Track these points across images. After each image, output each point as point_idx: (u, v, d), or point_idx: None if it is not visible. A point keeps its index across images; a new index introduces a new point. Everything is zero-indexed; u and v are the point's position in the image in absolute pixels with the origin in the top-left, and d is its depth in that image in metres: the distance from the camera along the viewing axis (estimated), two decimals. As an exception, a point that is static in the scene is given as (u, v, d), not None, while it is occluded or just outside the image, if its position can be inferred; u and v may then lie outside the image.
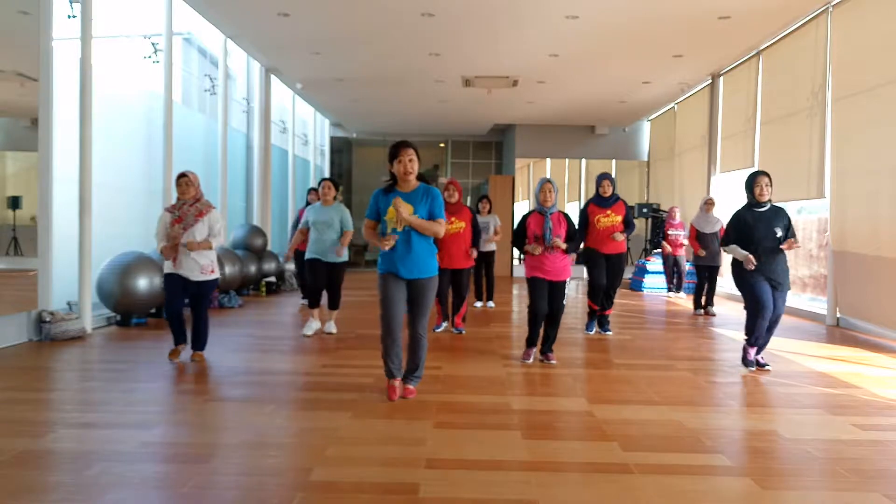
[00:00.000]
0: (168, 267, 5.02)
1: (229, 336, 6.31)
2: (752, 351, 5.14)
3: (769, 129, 9.06)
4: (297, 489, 2.71)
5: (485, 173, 17.42)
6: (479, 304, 9.07)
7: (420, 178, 4.06)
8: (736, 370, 5.15)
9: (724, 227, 7.83)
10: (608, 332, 6.63)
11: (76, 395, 4.17)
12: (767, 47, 9.09)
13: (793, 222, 5.08)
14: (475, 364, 5.20)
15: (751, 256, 4.87)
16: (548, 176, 18.11)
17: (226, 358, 5.31)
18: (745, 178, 5.12)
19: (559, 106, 13.20)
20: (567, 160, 16.24)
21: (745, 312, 5.21)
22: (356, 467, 2.95)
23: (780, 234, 4.92)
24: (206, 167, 9.58)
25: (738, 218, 5.08)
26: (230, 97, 10.38)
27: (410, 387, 4.17)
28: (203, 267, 5.03)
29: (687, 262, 10.62)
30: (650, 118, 14.87)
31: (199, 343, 5.19)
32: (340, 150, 18.04)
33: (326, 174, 16.88)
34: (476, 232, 6.67)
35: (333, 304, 6.53)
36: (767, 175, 5.03)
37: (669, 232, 10.07)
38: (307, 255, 6.38)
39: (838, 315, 7.56)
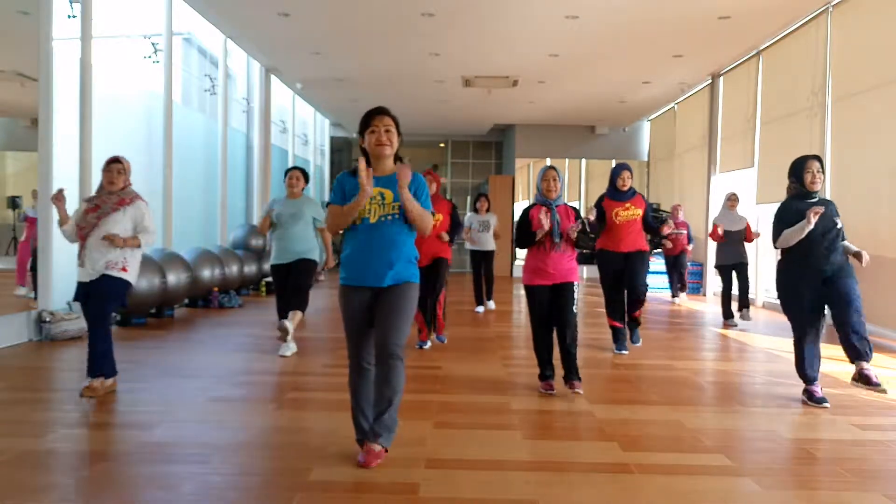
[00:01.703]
0: (80, 273, 4.07)
1: (229, 336, 6.31)
2: (817, 387, 4.14)
3: (769, 129, 9.07)
4: (297, 489, 2.70)
5: (485, 173, 17.43)
6: (480, 308, 8.69)
7: (400, 160, 3.17)
8: (736, 370, 5.14)
9: (750, 223, 7.72)
10: (637, 343, 5.97)
11: (76, 395, 4.16)
12: (767, 47, 9.09)
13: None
14: (475, 364, 5.19)
15: (810, 214, 3.93)
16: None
17: (226, 358, 5.31)
18: (791, 165, 4.30)
19: (559, 106, 13.20)
20: (567, 160, 16.24)
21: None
22: (356, 467, 2.94)
23: (839, 224, 4.09)
24: (206, 167, 9.59)
25: (786, 209, 4.21)
26: (230, 97, 10.38)
27: (376, 448, 2.94)
28: (110, 262, 3.96)
29: (689, 262, 10.63)
30: (650, 118, 14.87)
31: (95, 366, 3.97)
32: (340, 150, 18.04)
33: (326, 174, 16.89)
34: (454, 224, 5.94)
35: (296, 303, 5.41)
36: (819, 160, 4.20)
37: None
38: (271, 262, 5.51)
39: (838, 315, 7.54)
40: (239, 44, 9.88)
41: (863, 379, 3.99)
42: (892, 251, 6.37)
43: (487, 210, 9.05)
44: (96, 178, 6.40)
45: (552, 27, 8.30)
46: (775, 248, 4.32)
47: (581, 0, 7.39)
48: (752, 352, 5.98)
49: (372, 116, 3.07)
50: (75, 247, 6.21)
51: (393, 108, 3.23)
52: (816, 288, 4.11)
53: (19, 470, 2.87)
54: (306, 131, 15.01)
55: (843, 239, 4.18)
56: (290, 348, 5.41)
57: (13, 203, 6.01)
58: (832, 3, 7.48)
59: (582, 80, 11.02)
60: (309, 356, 5.44)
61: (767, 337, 6.73)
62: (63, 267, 6.22)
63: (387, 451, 2.99)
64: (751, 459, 3.16)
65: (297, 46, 9.47)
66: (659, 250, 11.17)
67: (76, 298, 4.12)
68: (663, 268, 10.98)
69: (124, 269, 4.02)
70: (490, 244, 8.85)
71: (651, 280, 11.36)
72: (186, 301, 8.11)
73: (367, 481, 2.80)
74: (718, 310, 8.33)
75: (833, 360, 5.59)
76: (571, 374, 4.31)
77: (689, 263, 10.59)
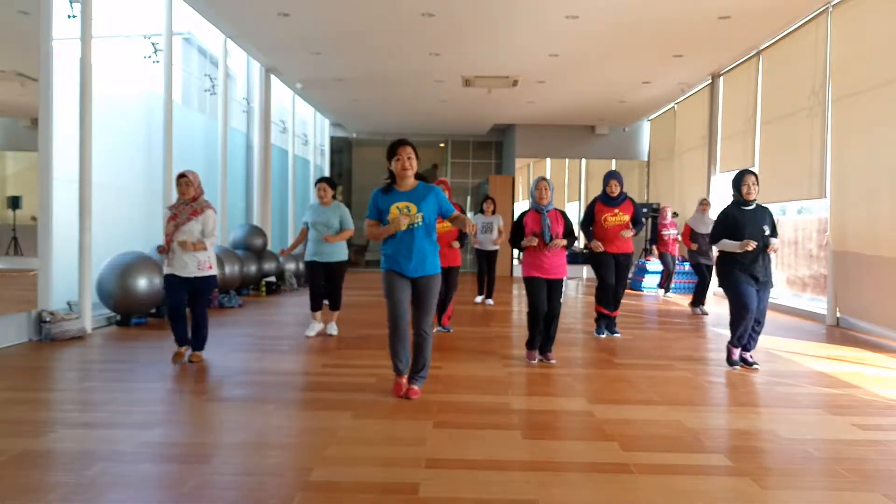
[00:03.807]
0: (166, 267, 5.01)
1: (229, 336, 6.31)
2: (736, 351, 5.18)
3: (769, 129, 9.07)
4: (297, 489, 2.71)
5: (485, 173, 17.43)
6: (479, 298, 9.33)
7: (419, 177, 4.04)
8: (735, 370, 5.14)
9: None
10: (616, 334, 6.53)
11: (76, 395, 4.17)
12: (767, 47, 9.09)
13: (777, 222, 5.14)
14: (475, 364, 5.20)
15: (748, 241, 4.83)
16: (547, 175, 18.00)
17: (226, 358, 5.31)
18: (733, 177, 5.15)
19: (559, 106, 13.20)
20: (567, 160, 16.25)
21: (727, 309, 5.25)
22: (356, 467, 2.95)
23: (767, 231, 4.97)
24: (206, 167, 9.58)
25: (726, 215, 5.10)
26: (230, 97, 10.38)
27: (415, 387, 4.14)
28: (200, 263, 4.98)
29: (681, 262, 10.70)
30: (650, 118, 14.87)
31: (198, 343, 5.15)
32: (340, 150, 18.04)
33: (326, 174, 16.89)
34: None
35: (334, 305, 6.48)
36: (754, 174, 5.06)
37: (662, 232, 10.01)
38: (306, 258, 6.34)
39: (838, 315, 7.56)
40: (239, 44, 9.88)
41: (745, 362, 5.20)
42: (892, 251, 6.37)
43: (493, 212, 9.40)
44: (96, 179, 6.46)
45: (552, 27, 8.30)
46: (711, 244, 5.30)
47: (581, 0, 7.39)
48: (752, 352, 5.97)
49: (396, 147, 3.96)
50: (74, 249, 6.28)
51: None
52: (749, 278, 4.99)
53: (19, 470, 2.87)
54: (306, 131, 15.01)
55: (776, 236, 5.04)
56: (334, 328, 6.45)
57: (13, 203, 6.01)
58: (832, 3, 7.47)
59: (582, 80, 11.02)
60: (309, 356, 5.45)
61: (767, 337, 6.73)
62: (63, 267, 6.22)
63: (420, 389, 4.17)
64: (751, 459, 3.16)
65: (297, 46, 9.47)
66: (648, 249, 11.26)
67: (165, 287, 5.08)
68: (660, 268, 11.02)
69: (210, 267, 5.07)
70: (493, 244, 9.17)
71: (649, 280, 11.46)
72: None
73: (367, 481, 2.80)
74: (718, 310, 8.43)
75: (834, 361, 5.60)
76: (548, 349, 5.29)
77: (677, 262, 10.70)
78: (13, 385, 4.38)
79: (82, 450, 3.12)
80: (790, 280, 9.29)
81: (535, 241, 5.04)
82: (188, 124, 9.09)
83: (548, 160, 16.66)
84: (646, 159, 15.46)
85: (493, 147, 17.62)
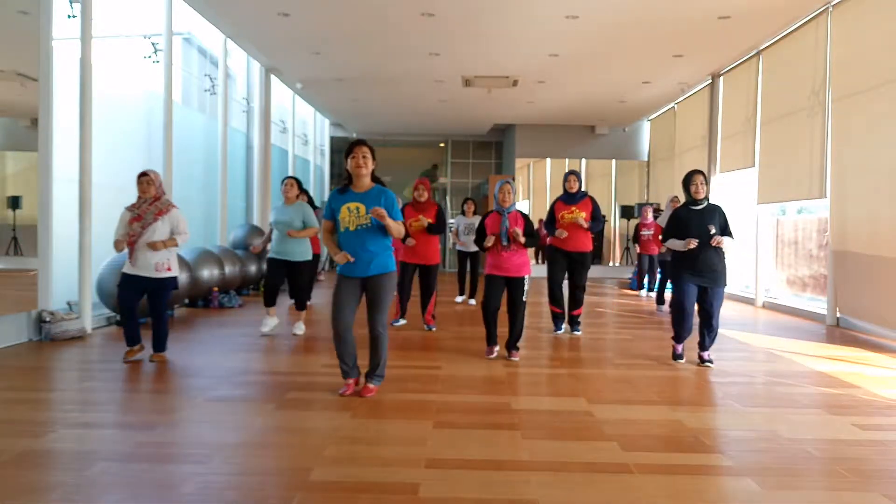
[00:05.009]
0: (126, 267, 4.97)
1: (229, 336, 6.31)
2: (679, 346, 5.40)
3: (769, 129, 9.07)
4: (297, 489, 2.71)
5: (485, 173, 17.43)
6: (459, 298, 9.42)
7: (375, 179, 4.07)
8: (736, 370, 5.15)
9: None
10: (577, 332, 6.57)
11: (76, 395, 4.17)
12: (767, 47, 9.09)
13: (729, 220, 5.18)
14: (475, 364, 5.20)
15: (690, 240, 4.95)
16: (547, 176, 17.90)
17: (226, 358, 5.30)
18: (682, 178, 5.25)
19: (559, 106, 13.20)
20: (567, 160, 16.23)
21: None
22: (356, 467, 2.95)
23: (713, 230, 5.02)
24: (206, 167, 9.59)
25: (674, 215, 5.25)
26: (230, 97, 10.38)
27: (371, 385, 4.16)
28: (158, 265, 4.94)
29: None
30: (650, 118, 14.87)
31: (159, 344, 5.08)
32: (340, 150, 18.03)
33: (326, 174, 16.90)
34: (440, 223, 6.74)
35: (299, 305, 6.44)
36: (702, 174, 5.19)
37: (642, 232, 9.97)
38: (269, 255, 6.30)
39: (838, 315, 7.55)
40: (239, 44, 9.88)
41: (700, 359, 5.33)
42: (892, 251, 6.37)
43: (474, 213, 9.50)
44: (96, 179, 6.45)
45: (552, 27, 8.30)
46: (661, 242, 5.55)
47: (581, 0, 7.39)
48: (752, 352, 5.98)
49: (353, 146, 4.02)
50: (74, 249, 6.29)
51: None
52: (694, 278, 5.11)
53: (19, 470, 2.87)
54: (306, 131, 15.02)
55: (731, 235, 5.12)
56: (300, 328, 6.39)
57: (13, 203, 6.01)
58: (832, 3, 7.48)
59: (582, 80, 11.03)
60: (309, 356, 5.44)
61: (767, 337, 6.73)
62: (63, 267, 6.22)
63: (377, 387, 4.20)
64: (751, 459, 3.16)
65: (297, 46, 9.47)
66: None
67: (119, 285, 5.04)
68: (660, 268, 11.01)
69: (169, 269, 5.02)
70: (475, 245, 9.27)
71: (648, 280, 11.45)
72: (186, 301, 8.11)
73: (366, 481, 2.80)
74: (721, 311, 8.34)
75: (834, 361, 5.60)
76: (512, 346, 5.35)
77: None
78: (13, 385, 4.38)
79: (82, 450, 3.12)
80: (790, 280, 9.29)
81: (491, 241, 5.20)
82: (188, 124, 9.09)
83: (548, 160, 16.66)
84: (646, 159, 15.46)
85: (493, 147, 17.61)
